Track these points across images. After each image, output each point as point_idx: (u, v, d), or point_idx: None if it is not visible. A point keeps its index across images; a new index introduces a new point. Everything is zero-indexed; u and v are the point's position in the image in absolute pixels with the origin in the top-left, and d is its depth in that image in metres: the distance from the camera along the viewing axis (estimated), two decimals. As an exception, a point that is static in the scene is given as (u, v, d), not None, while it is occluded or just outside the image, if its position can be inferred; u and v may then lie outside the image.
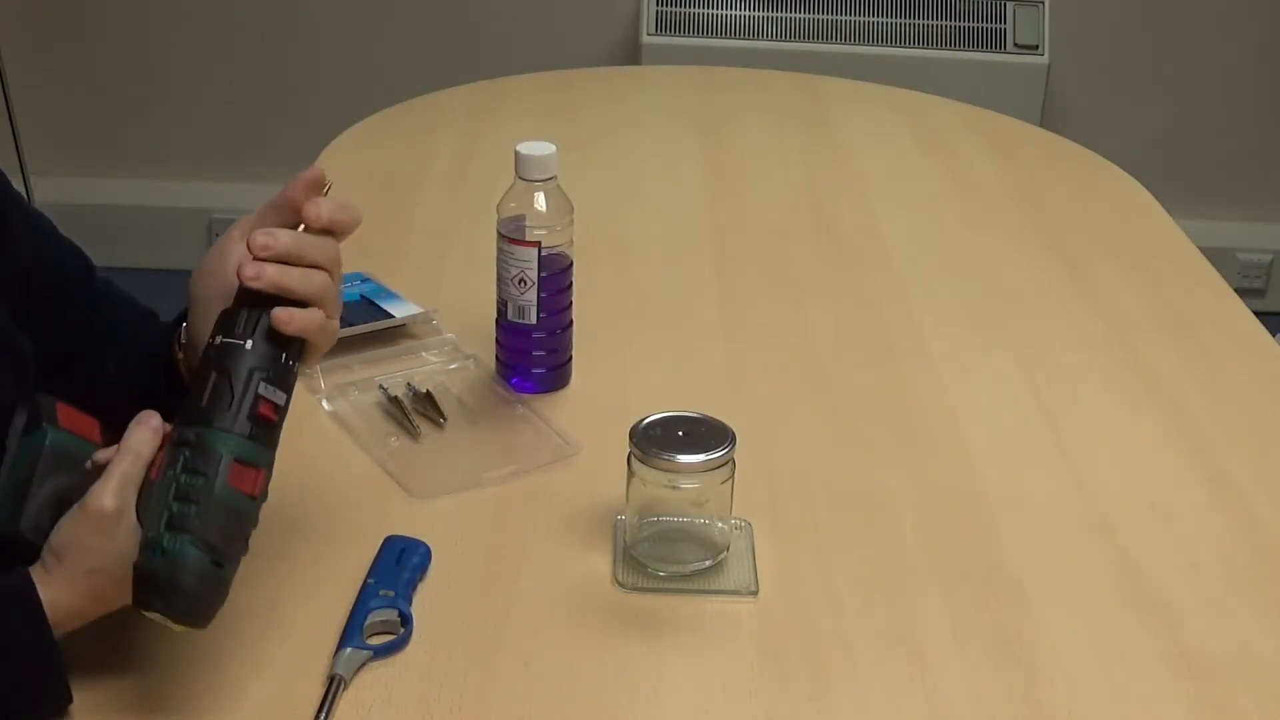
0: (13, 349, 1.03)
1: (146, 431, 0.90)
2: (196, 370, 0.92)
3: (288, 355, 0.91)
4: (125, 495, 0.87)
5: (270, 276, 0.89)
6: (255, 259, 0.90)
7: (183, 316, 1.03)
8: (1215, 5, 3.06)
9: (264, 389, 0.89)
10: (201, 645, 0.97)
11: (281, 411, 0.90)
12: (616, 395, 1.31)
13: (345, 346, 1.32)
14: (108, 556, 0.87)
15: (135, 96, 3.20)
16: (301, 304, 0.91)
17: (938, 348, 1.43)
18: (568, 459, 1.21)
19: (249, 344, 0.89)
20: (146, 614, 0.86)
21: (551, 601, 1.04)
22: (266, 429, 0.89)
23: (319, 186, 0.93)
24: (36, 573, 0.89)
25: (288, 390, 0.91)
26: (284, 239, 0.90)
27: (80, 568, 0.87)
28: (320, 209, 0.92)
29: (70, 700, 0.92)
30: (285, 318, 0.90)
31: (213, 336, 0.91)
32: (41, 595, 0.87)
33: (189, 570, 0.84)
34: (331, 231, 0.93)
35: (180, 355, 1.03)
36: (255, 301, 0.90)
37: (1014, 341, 1.45)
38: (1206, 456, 1.27)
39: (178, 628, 0.86)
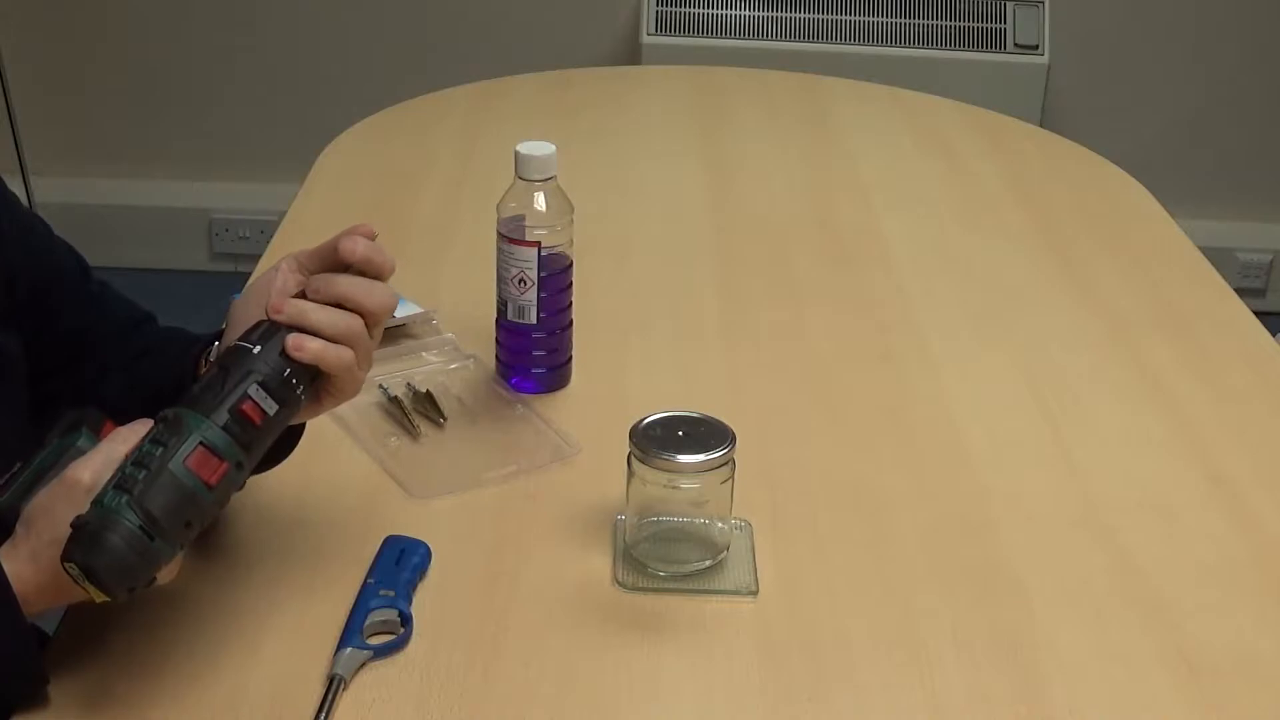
0: (1, 351, 1.03)
1: (143, 424, 0.90)
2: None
3: (294, 374, 0.91)
4: (103, 472, 0.87)
5: (291, 310, 0.91)
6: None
7: (214, 337, 1.04)
8: (1215, 5, 3.06)
9: (255, 390, 0.89)
10: (201, 644, 0.97)
11: (268, 421, 0.90)
12: (616, 395, 1.31)
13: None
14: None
15: (135, 96, 3.20)
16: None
17: (937, 347, 1.43)
18: (568, 459, 1.21)
19: (257, 349, 0.90)
20: (66, 568, 0.84)
21: (551, 601, 1.04)
22: (245, 428, 0.88)
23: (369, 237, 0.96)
24: (4, 547, 0.89)
25: (283, 404, 0.90)
26: (318, 283, 0.93)
27: (45, 536, 0.87)
28: (358, 244, 0.94)
29: (45, 679, 0.91)
30: (296, 344, 0.91)
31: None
32: (5, 567, 0.87)
33: (117, 530, 0.83)
34: (367, 273, 0.94)
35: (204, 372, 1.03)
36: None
37: (1014, 341, 1.45)
38: (1206, 456, 1.27)
39: (90, 589, 0.84)
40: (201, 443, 0.86)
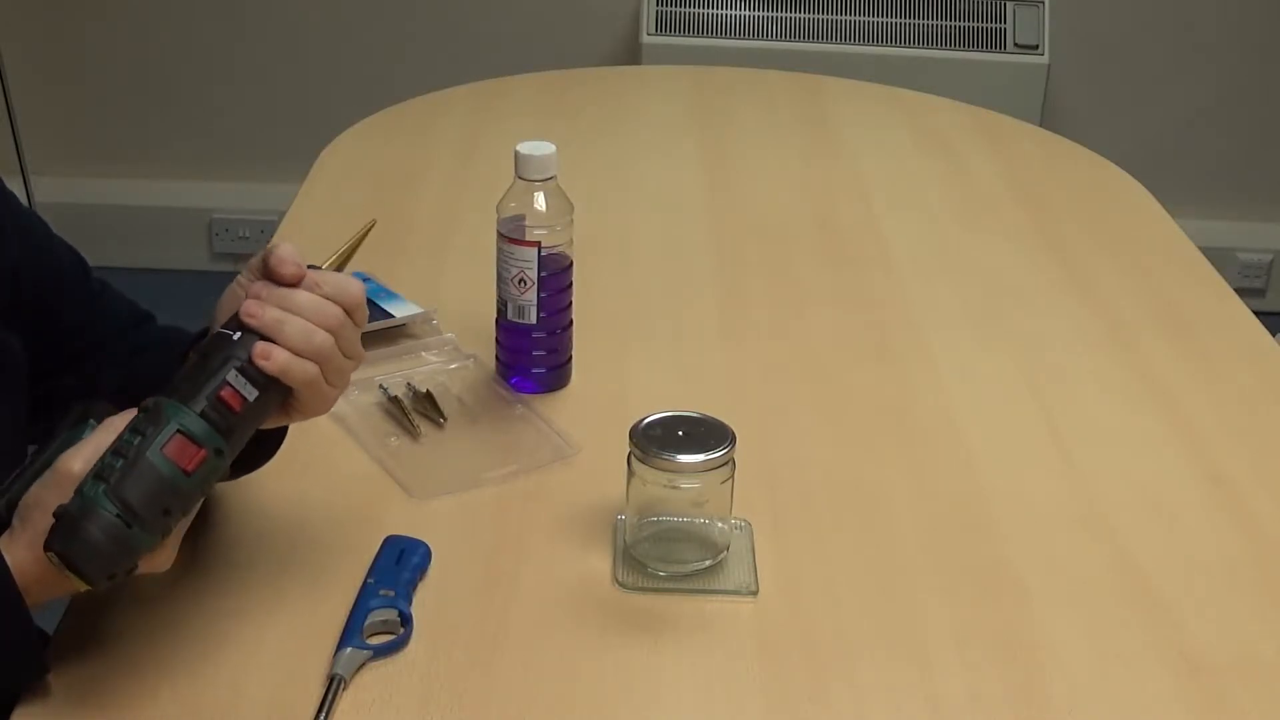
0: (2, 350, 1.03)
1: (132, 412, 0.90)
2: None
3: None
4: (92, 461, 0.87)
5: (265, 319, 0.90)
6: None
7: (202, 334, 1.04)
8: (1215, 5, 3.06)
9: (234, 377, 0.88)
10: (202, 644, 0.97)
11: (249, 407, 0.89)
12: (616, 395, 1.31)
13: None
14: None
15: (135, 96, 3.20)
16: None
17: (937, 348, 1.43)
18: (568, 459, 1.21)
19: (236, 336, 0.90)
20: (48, 557, 0.84)
21: (551, 601, 1.04)
22: (225, 415, 0.88)
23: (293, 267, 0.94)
24: (3, 539, 0.89)
25: (263, 390, 0.90)
26: (274, 292, 0.91)
27: (40, 527, 0.86)
28: (320, 280, 0.92)
29: (46, 668, 0.91)
30: (263, 352, 0.89)
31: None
32: (6, 558, 0.87)
33: (94, 519, 0.83)
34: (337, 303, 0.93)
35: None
36: None
37: (1014, 341, 1.45)
38: (1206, 456, 1.27)
39: (70, 576, 0.84)
40: (179, 430, 0.86)
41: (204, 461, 0.87)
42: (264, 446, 1.01)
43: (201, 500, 0.90)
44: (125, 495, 0.84)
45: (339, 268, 1.00)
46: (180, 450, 0.86)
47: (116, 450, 0.86)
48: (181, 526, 0.89)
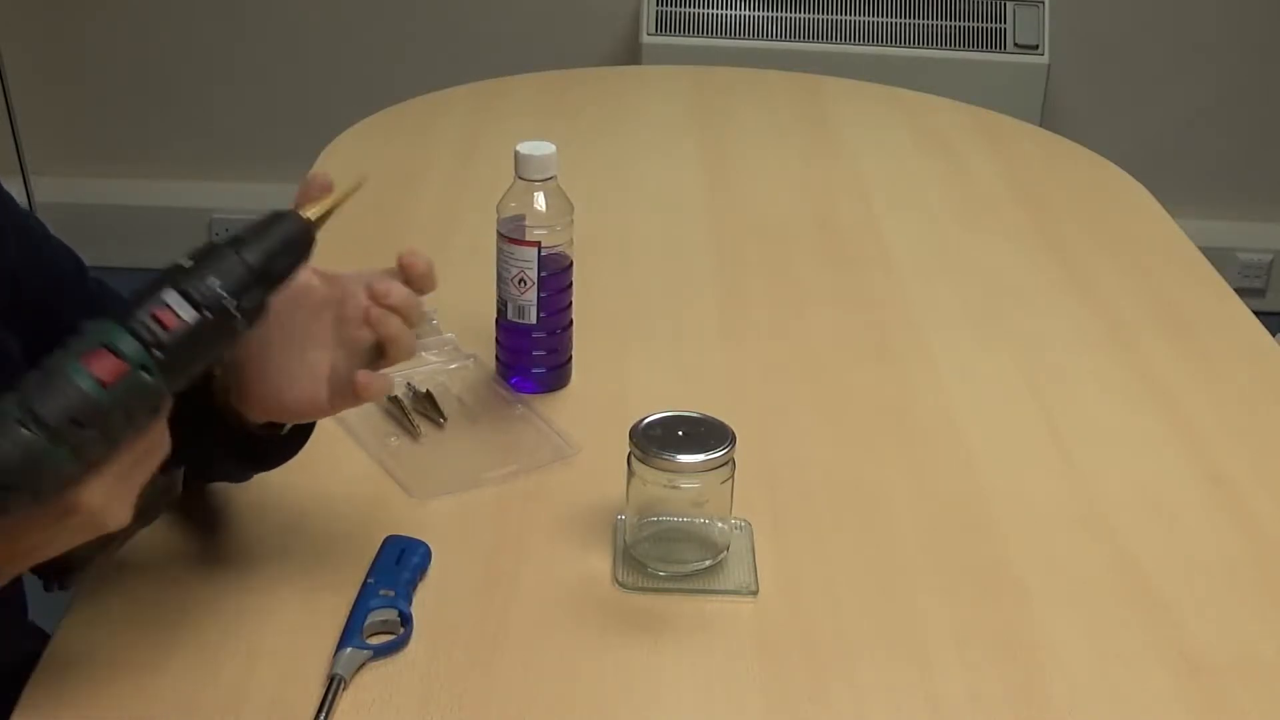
0: (1, 350, 1.03)
1: None
2: None
3: (234, 291, 0.86)
4: None
5: (391, 329, 0.98)
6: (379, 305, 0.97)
7: None
8: (1215, 5, 3.06)
9: (170, 296, 0.84)
10: (201, 644, 0.97)
11: (186, 328, 0.83)
12: (616, 395, 1.31)
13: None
14: None
15: (136, 96, 3.20)
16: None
17: (937, 348, 1.43)
18: (568, 459, 1.21)
19: (188, 263, 0.86)
20: None
21: (551, 601, 1.04)
22: (154, 333, 0.82)
23: (326, 188, 0.99)
24: None
25: (205, 314, 0.84)
26: (399, 293, 1.00)
27: None
28: (391, 289, 1.00)
29: None
30: (366, 380, 0.95)
31: None
32: None
33: (1, 428, 0.78)
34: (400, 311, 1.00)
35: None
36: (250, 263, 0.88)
37: (1014, 341, 1.45)
38: (1206, 456, 1.27)
39: None
40: (102, 344, 0.82)
41: (125, 375, 0.81)
42: (287, 445, 1.01)
43: (132, 429, 0.83)
44: (31, 402, 0.79)
45: (322, 218, 1.02)
46: (99, 361, 0.81)
47: (37, 364, 0.82)
48: (125, 463, 0.83)
